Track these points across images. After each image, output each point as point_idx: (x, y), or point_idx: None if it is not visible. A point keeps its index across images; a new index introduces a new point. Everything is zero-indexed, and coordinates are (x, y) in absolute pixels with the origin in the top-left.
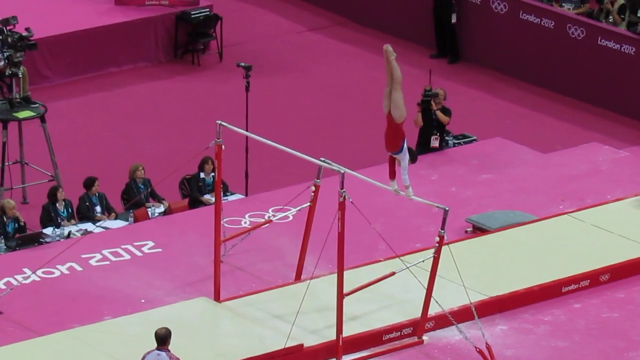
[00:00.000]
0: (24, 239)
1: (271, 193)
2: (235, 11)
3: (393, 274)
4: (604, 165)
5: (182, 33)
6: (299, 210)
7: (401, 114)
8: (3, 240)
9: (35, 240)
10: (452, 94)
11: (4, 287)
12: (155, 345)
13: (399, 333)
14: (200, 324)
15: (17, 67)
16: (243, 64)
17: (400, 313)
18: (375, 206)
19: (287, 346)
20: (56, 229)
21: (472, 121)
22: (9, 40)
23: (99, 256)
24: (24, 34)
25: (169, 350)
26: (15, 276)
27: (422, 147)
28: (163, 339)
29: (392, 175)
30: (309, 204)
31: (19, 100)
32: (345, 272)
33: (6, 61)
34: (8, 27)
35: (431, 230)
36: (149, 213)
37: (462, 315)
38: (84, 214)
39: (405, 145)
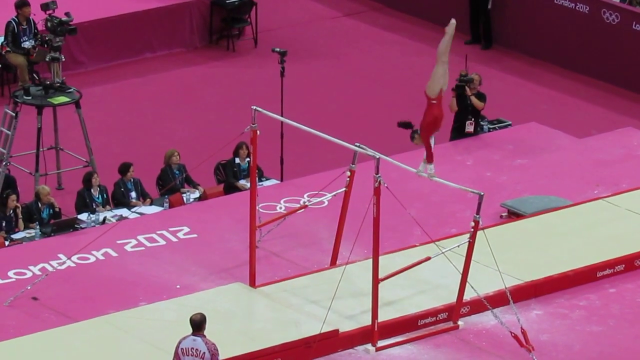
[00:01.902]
0: (59, 225)
1: (306, 178)
2: None
3: (428, 259)
4: (639, 150)
5: (217, 18)
6: (334, 195)
7: (434, 85)
8: (38, 226)
9: (71, 226)
10: (487, 79)
11: (39, 273)
12: (190, 330)
13: (434, 318)
14: (236, 310)
15: (57, 52)
16: (278, 50)
17: (436, 298)
18: (410, 191)
19: (322, 331)
20: (91, 215)
21: (507, 106)
22: (49, 24)
23: (134, 242)
24: (64, 18)
25: (204, 336)
26: (51, 262)
27: (457, 132)
28: (199, 324)
29: (430, 158)
30: (344, 189)
31: (59, 84)
32: (380, 258)
33: (35, 47)
34: (48, 12)
35: (466, 216)
36: (184, 199)
37: (498, 300)
38: (119, 200)
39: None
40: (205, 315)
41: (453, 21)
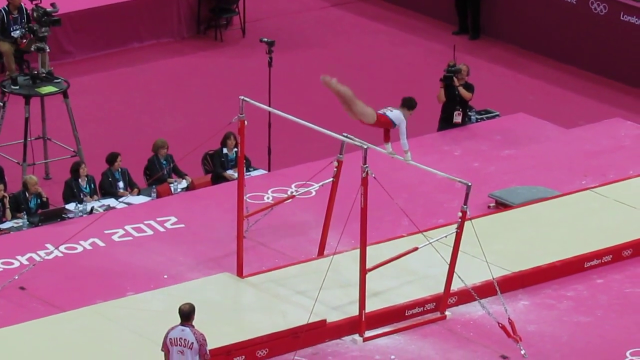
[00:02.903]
0: (47, 215)
1: (294, 168)
2: None
3: (416, 249)
4: (626, 140)
5: (205, 8)
6: (322, 185)
7: (371, 117)
8: (25, 216)
9: (58, 216)
10: (475, 69)
11: (27, 263)
12: (179, 320)
13: (422, 309)
14: (223, 300)
15: (42, 42)
16: (266, 40)
17: (423, 288)
18: (398, 182)
19: (310, 322)
20: (79, 205)
21: (495, 97)
22: (35, 14)
23: (121, 232)
24: (49, 9)
25: (193, 326)
26: (38, 252)
27: (445, 123)
28: (187, 314)
29: (387, 138)
30: (331, 179)
31: (44, 75)
32: (368, 248)
33: (23, 36)
34: (34, 2)
35: (454, 206)
36: (172, 189)
37: (485, 290)
38: (107, 190)
39: (396, 117)
40: (194, 305)
41: (322, 78)
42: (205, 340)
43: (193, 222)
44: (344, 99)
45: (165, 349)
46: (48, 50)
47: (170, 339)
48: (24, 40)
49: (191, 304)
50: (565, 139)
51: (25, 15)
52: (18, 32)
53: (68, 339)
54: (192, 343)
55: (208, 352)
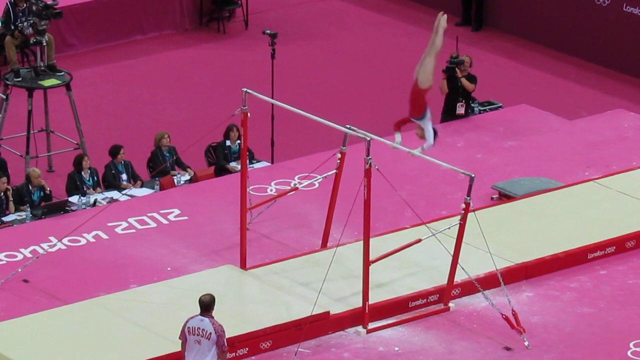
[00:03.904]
0: (50, 208)
1: (297, 160)
2: None
3: (419, 241)
4: (629, 131)
5: (208, 1)
6: (325, 177)
7: (427, 79)
8: (29, 209)
9: (61, 208)
10: (478, 61)
11: (30, 255)
12: (182, 312)
13: (425, 300)
14: (227, 292)
15: (41, 35)
16: (269, 32)
17: (427, 280)
18: (401, 173)
19: (313, 314)
20: (82, 197)
21: (498, 88)
22: (34, 8)
23: (124, 224)
24: (49, 2)
25: (212, 317)
26: (41, 244)
27: (448, 114)
28: (207, 305)
29: (398, 127)
30: (335, 171)
31: (44, 68)
32: (371, 240)
33: (30, 29)
34: None
35: (457, 197)
36: (175, 181)
37: (488, 282)
38: (110, 182)
39: (428, 115)
40: (214, 296)
41: (441, 15)
42: (223, 331)
43: (196, 214)
44: (434, 44)
45: (183, 337)
46: (44, 43)
47: (188, 327)
48: (32, 32)
49: (212, 295)
50: (568, 130)
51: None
52: (26, 23)
53: (71, 332)
54: (210, 333)
55: (226, 343)
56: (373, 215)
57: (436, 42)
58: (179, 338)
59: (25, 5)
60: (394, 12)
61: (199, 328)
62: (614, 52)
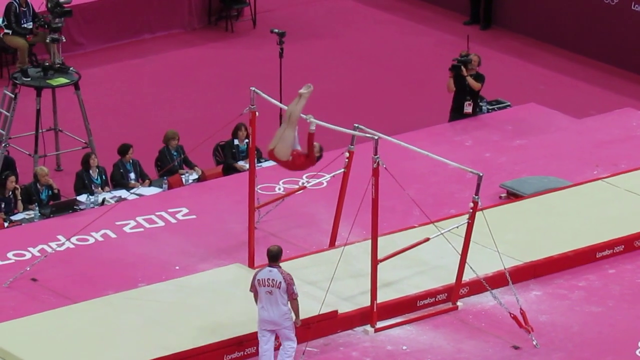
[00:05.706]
0: (58, 207)
1: None
2: None
3: (427, 240)
4: (637, 130)
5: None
6: (333, 176)
7: (284, 153)
8: (37, 208)
9: (69, 207)
10: (486, 60)
11: (38, 254)
12: (190, 312)
13: (434, 299)
14: (235, 291)
15: (57, 33)
16: (277, 31)
17: (435, 279)
18: (409, 172)
19: (321, 312)
20: (90, 196)
21: (506, 87)
22: (49, 5)
23: (133, 223)
24: (62, 0)
25: (280, 267)
26: (50, 243)
27: (456, 113)
28: (275, 255)
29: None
30: (342, 170)
31: (58, 65)
32: (379, 239)
33: (36, 29)
34: None
35: (465, 196)
36: (183, 180)
37: (497, 281)
38: (118, 181)
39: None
40: (282, 247)
41: (311, 88)
42: (292, 280)
43: (204, 213)
44: (300, 110)
45: (254, 290)
46: (64, 40)
47: (258, 280)
48: (31, 35)
49: (279, 246)
50: (576, 128)
51: (31, 8)
52: (28, 25)
53: (79, 330)
54: (280, 282)
55: (295, 290)
56: (381, 214)
57: (295, 111)
58: (250, 290)
59: (25, 6)
60: (401, 11)
61: (268, 279)
62: (623, 51)
